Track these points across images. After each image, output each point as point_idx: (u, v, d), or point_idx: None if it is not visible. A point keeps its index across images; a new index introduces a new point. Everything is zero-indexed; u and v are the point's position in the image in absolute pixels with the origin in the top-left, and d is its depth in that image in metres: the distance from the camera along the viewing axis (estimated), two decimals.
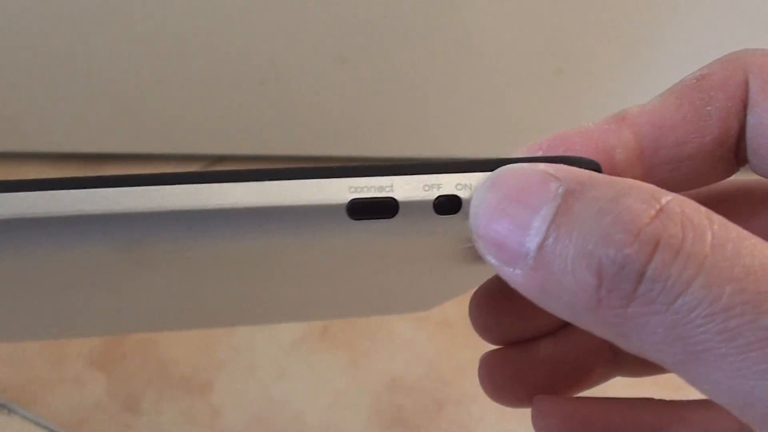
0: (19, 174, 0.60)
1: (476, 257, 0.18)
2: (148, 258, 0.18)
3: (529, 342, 0.24)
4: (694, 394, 0.17)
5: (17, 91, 0.58)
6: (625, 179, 0.17)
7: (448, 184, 0.17)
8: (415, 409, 0.45)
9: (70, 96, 0.58)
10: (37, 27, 0.54)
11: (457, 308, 0.45)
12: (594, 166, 0.18)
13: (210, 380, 0.47)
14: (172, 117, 0.60)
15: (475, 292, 0.23)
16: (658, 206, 0.16)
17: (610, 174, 0.19)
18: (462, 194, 0.17)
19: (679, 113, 0.20)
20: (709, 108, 0.19)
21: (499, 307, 0.23)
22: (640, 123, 0.20)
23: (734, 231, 0.15)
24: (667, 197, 0.16)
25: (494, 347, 0.25)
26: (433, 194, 0.17)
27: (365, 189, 0.17)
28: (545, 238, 0.16)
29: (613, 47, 0.56)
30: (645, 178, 0.20)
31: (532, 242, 0.16)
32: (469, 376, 0.47)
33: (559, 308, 0.16)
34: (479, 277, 0.23)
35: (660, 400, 0.23)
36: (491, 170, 0.17)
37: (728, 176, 0.21)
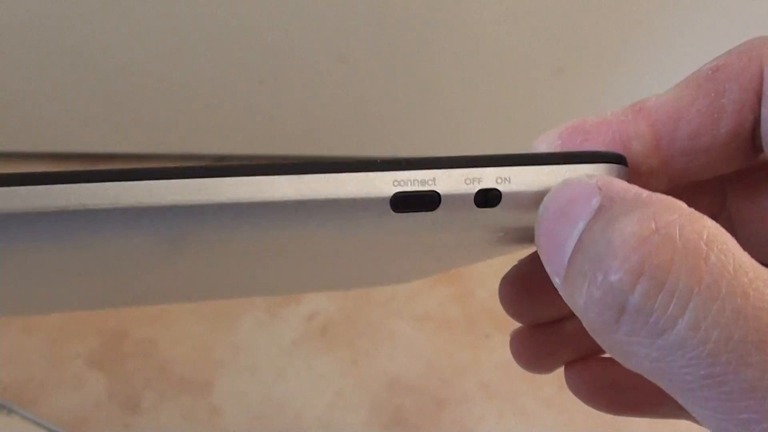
0: None
1: (505, 244, 0.18)
2: (188, 246, 0.18)
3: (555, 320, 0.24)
4: None
5: (17, 91, 0.58)
6: (651, 194, 0.16)
7: (488, 177, 0.17)
8: (415, 409, 0.45)
9: (70, 96, 0.58)
10: (38, 27, 0.54)
11: (457, 308, 0.45)
12: (619, 159, 0.18)
13: (210, 380, 0.47)
14: (172, 117, 0.60)
15: (505, 278, 0.24)
16: (653, 227, 0.15)
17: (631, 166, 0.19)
18: (502, 188, 0.17)
19: (694, 106, 0.19)
20: (723, 100, 0.19)
21: (528, 293, 0.24)
22: (656, 115, 0.20)
23: (732, 262, 0.15)
24: (670, 216, 0.15)
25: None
26: (474, 188, 0.17)
27: (408, 182, 0.17)
28: (573, 254, 0.16)
29: (613, 46, 0.56)
30: (661, 169, 0.20)
31: (566, 256, 0.16)
32: (469, 376, 0.47)
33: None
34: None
35: None
36: (531, 164, 0.18)
37: (745, 165, 0.21)
